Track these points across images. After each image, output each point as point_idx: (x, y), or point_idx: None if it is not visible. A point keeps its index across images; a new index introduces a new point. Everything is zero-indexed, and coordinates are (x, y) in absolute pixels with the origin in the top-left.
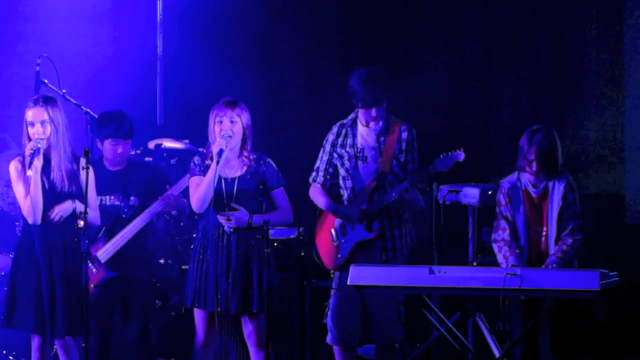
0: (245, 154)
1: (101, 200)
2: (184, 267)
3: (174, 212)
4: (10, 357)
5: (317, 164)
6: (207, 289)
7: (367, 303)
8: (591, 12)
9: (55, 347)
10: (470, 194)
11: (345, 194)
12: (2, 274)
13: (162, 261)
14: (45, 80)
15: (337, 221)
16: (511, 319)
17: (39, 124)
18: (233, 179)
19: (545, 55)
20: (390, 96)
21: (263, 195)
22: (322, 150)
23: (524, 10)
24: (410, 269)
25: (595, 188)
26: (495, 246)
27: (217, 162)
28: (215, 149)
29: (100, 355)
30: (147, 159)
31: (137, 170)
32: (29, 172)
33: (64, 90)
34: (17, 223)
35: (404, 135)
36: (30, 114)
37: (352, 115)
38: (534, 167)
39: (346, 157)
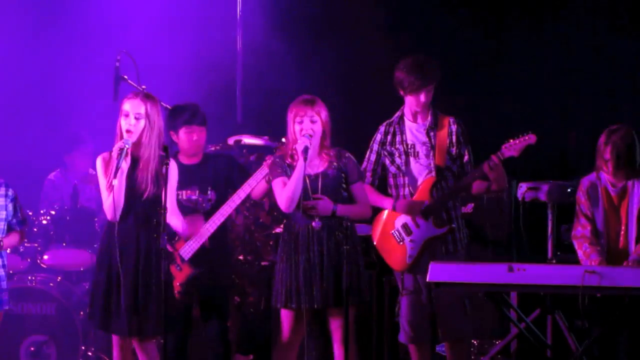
0: (326, 150)
1: (178, 195)
2: (263, 263)
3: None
4: (89, 354)
5: (365, 164)
6: (299, 288)
7: (434, 300)
8: None
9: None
10: (550, 191)
11: (396, 192)
12: (82, 269)
13: (241, 257)
14: (125, 77)
15: (398, 221)
16: (591, 317)
17: (133, 116)
18: (316, 175)
19: (624, 47)
20: (439, 80)
21: (346, 189)
22: (369, 150)
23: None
24: (489, 266)
25: None
26: (575, 242)
27: (305, 159)
28: (300, 147)
29: (179, 354)
30: None
31: (214, 163)
32: (114, 182)
33: (143, 87)
34: (95, 219)
35: (454, 127)
36: (127, 105)
37: (398, 113)
38: (610, 167)
39: (397, 154)
